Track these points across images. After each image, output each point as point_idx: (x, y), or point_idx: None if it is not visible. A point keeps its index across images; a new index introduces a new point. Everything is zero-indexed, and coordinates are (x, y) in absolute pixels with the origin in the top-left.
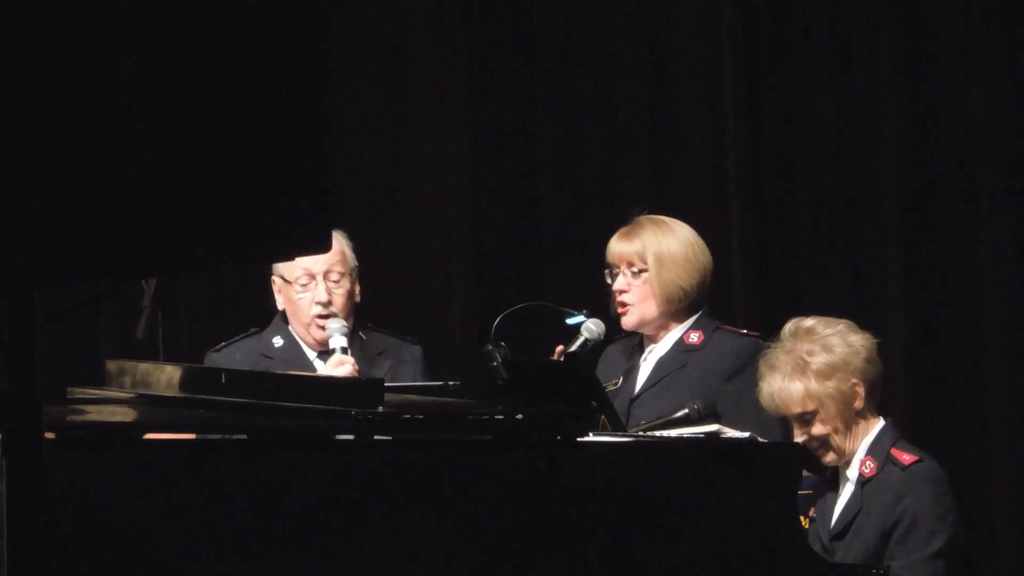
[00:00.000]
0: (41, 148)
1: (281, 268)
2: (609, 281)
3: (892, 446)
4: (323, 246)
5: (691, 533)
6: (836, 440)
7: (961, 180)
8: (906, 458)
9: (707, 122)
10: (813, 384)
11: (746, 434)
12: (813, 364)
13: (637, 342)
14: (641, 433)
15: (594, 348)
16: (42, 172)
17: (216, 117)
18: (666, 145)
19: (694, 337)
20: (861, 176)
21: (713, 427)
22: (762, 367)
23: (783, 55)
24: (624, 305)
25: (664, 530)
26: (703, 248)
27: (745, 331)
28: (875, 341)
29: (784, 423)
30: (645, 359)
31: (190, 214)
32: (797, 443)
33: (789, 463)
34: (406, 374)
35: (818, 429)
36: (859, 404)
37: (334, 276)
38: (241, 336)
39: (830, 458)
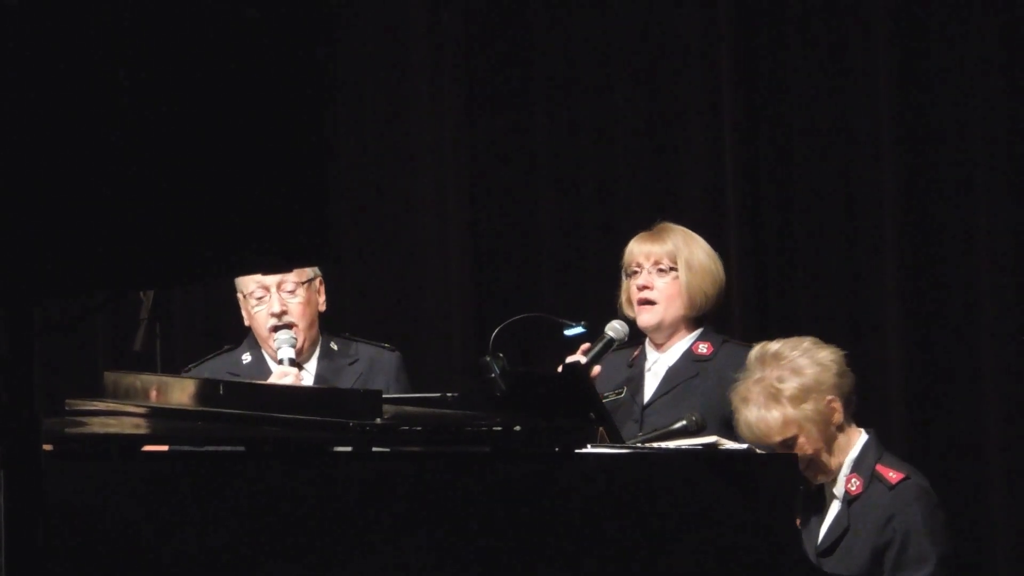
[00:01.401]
0: (40, 161)
1: (239, 283)
2: (625, 279)
3: (877, 462)
4: (323, 256)
5: (689, 544)
6: (822, 459)
7: (959, 195)
8: (892, 476)
9: (705, 135)
10: (790, 410)
11: (744, 445)
12: (786, 390)
13: (636, 353)
14: (639, 445)
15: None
16: (41, 185)
17: (216, 129)
18: (664, 159)
19: (703, 348)
20: (859, 191)
21: (711, 439)
22: (735, 400)
23: (780, 69)
24: (648, 302)
25: (662, 541)
26: (721, 264)
27: (753, 344)
28: (843, 353)
29: None
30: (650, 369)
31: (188, 226)
32: (795, 454)
33: (787, 474)
34: (377, 382)
35: (802, 452)
36: (838, 418)
37: (288, 287)
38: (213, 354)
39: (818, 479)
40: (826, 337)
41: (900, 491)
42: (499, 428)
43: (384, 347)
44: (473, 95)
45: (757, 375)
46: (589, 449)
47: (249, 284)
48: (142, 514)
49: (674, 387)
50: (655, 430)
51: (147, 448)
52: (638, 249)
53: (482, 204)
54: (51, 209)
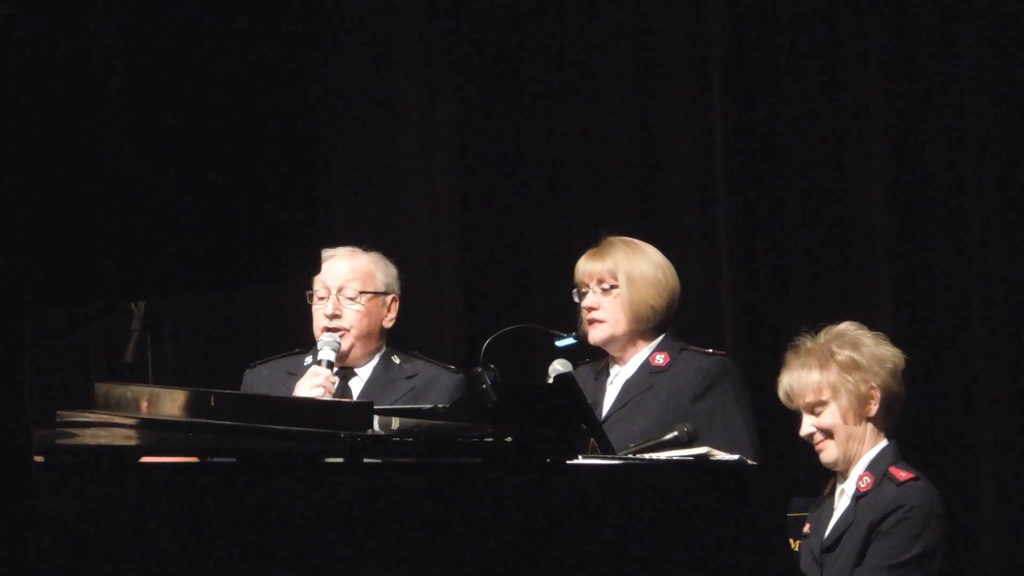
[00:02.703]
0: (32, 171)
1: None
2: (577, 300)
3: (892, 465)
4: (312, 269)
5: (681, 555)
6: (840, 435)
7: (951, 208)
8: (902, 475)
9: (695, 147)
10: (833, 374)
11: (735, 456)
12: (838, 356)
13: (602, 366)
14: (630, 456)
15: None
16: (33, 195)
17: (205, 140)
18: (655, 170)
19: (660, 359)
20: (851, 203)
21: (702, 449)
22: (788, 355)
23: (772, 81)
24: (595, 321)
25: (654, 552)
26: (672, 270)
27: (711, 350)
28: (904, 358)
29: (756, 441)
30: (611, 382)
31: (179, 237)
32: (783, 468)
33: (778, 485)
34: (429, 398)
35: (826, 419)
36: (872, 409)
37: (349, 293)
38: (280, 355)
39: (829, 455)
40: None
41: (905, 488)
42: (490, 439)
43: (448, 368)
44: (464, 106)
45: (821, 340)
46: (580, 460)
47: (315, 283)
48: (133, 525)
49: (628, 401)
50: (646, 440)
51: (139, 459)
52: (582, 268)
53: (473, 215)
54: (43, 219)
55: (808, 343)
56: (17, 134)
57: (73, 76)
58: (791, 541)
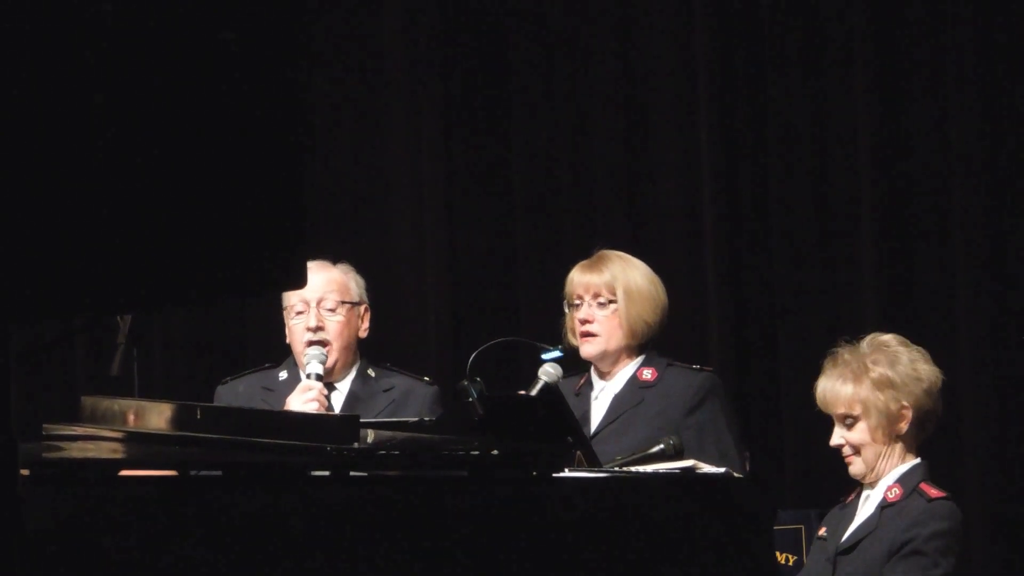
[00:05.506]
0: (16, 185)
1: (283, 296)
2: (567, 311)
3: (922, 481)
4: (298, 282)
5: (667, 568)
6: (868, 452)
7: (937, 206)
8: (934, 492)
9: (682, 160)
10: (865, 390)
11: (722, 469)
12: (872, 372)
13: (583, 381)
14: (616, 468)
15: None
16: (17, 207)
17: (191, 153)
18: (641, 183)
19: (647, 374)
20: (837, 216)
21: (688, 462)
22: (826, 362)
23: (759, 91)
24: (590, 335)
25: (640, 565)
26: (662, 286)
27: (698, 366)
28: (942, 378)
29: (744, 455)
30: (597, 397)
31: (165, 250)
32: (767, 481)
33: (764, 498)
34: (409, 411)
35: (855, 435)
36: (903, 428)
37: (328, 304)
38: (251, 370)
39: (856, 469)
40: (804, 352)
41: (936, 506)
42: (477, 452)
43: (423, 380)
44: (450, 118)
45: (860, 351)
46: (567, 473)
47: (291, 297)
48: (120, 539)
49: (619, 416)
50: (632, 453)
51: (124, 472)
52: (578, 280)
53: (459, 228)
54: (29, 232)
55: (846, 354)
56: (2, 148)
57: (56, 93)
58: (777, 554)
